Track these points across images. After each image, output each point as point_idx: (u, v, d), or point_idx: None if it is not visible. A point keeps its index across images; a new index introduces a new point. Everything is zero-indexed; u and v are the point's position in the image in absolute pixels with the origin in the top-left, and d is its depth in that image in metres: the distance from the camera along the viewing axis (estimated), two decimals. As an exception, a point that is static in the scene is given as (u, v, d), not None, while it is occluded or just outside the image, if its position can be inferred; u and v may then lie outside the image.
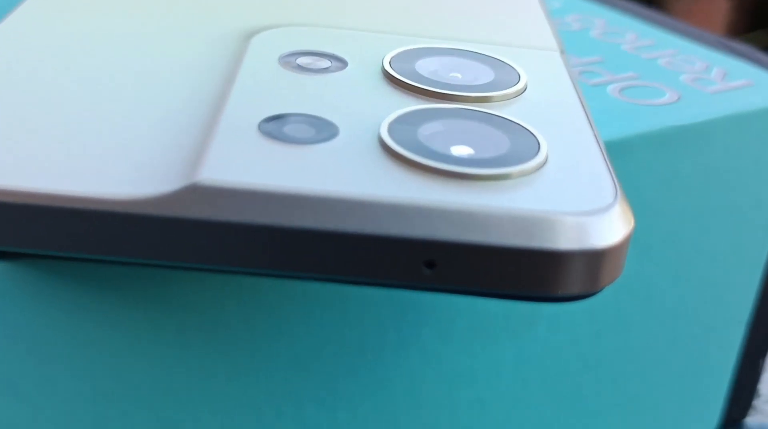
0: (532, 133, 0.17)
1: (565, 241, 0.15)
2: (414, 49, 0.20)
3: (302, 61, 0.20)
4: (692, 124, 0.23)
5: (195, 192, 0.15)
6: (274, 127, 0.17)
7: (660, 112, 0.23)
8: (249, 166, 0.15)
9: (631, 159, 0.23)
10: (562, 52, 0.22)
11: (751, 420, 0.30)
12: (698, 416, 0.29)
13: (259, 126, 0.17)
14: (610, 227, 0.15)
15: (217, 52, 0.20)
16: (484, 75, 0.20)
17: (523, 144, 0.17)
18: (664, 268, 0.25)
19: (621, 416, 0.28)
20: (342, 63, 0.20)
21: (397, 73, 0.19)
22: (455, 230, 0.15)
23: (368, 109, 0.18)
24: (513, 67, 0.20)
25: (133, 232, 0.15)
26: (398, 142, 0.16)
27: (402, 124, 0.17)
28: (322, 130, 0.17)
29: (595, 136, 0.18)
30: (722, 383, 0.29)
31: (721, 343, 0.28)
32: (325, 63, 0.20)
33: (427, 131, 0.17)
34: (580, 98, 0.19)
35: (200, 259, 0.15)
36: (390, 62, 0.20)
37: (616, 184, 0.16)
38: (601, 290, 0.16)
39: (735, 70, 0.26)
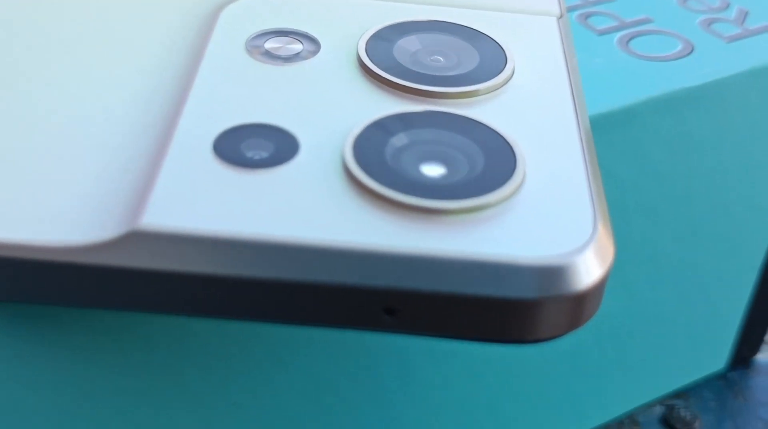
0: (509, 147, 0.16)
1: (532, 290, 0.14)
2: (393, 26, 0.19)
3: (271, 44, 0.18)
4: (703, 85, 0.22)
5: (134, 239, 0.14)
6: (230, 145, 0.16)
7: (669, 70, 0.22)
8: (196, 206, 0.14)
9: (636, 124, 0.21)
10: (561, 16, 0.20)
11: (761, 357, 0.29)
12: (709, 354, 0.29)
13: (214, 146, 0.16)
14: (583, 270, 0.14)
15: (181, 32, 0.19)
16: (468, 58, 0.18)
17: (499, 161, 0.16)
18: (678, 223, 0.24)
19: (633, 355, 0.27)
20: (314, 45, 0.18)
21: (373, 60, 0.18)
22: (416, 278, 0.14)
23: (334, 118, 0.16)
24: (500, 46, 0.18)
25: (74, 280, 0.14)
26: (362, 165, 0.15)
27: (368, 139, 0.16)
28: (282, 146, 0.16)
29: (582, 144, 0.16)
30: (733, 323, 0.28)
31: (734, 286, 0.27)
32: (296, 46, 0.18)
33: (397, 144, 0.16)
34: (571, 85, 0.18)
35: (149, 306, 0.15)
36: (366, 45, 0.18)
37: (596, 213, 0.15)
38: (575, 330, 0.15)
39: (756, 9, 0.24)
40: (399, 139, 0.16)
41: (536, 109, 0.17)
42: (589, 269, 0.14)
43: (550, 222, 0.15)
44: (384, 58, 0.18)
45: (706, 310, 0.27)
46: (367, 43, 0.18)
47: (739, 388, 0.28)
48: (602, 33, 0.23)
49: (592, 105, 0.21)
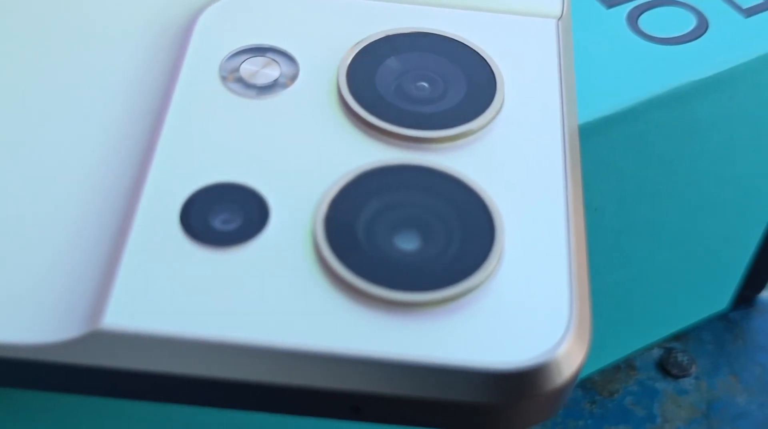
0: (489, 217, 0.15)
1: (497, 395, 0.14)
2: (376, 43, 0.18)
3: (247, 68, 0.17)
4: (715, 75, 0.20)
5: (96, 339, 0.14)
6: (198, 214, 0.15)
7: (679, 56, 0.20)
8: (159, 300, 0.14)
9: (640, 121, 0.20)
10: (561, 16, 0.19)
11: (765, 294, 0.29)
12: (712, 295, 0.29)
13: (181, 217, 0.15)
14: (552, 373, 0.14)
15: (155, 47, 0.18)
16: (456, 84, 0.17)
17: (476, 237, 0.15)
18: (683, 192, 0.23)
19: (634, 297, 0.27)
20: (293, 66, 0.17)
21: (353, 93, 0.17)
22: (380, 382, 0.14)
23: (307, 175, 0.16)
24: (490, 68, 0.17)
25: (43, 374, 0.14)
26: (332, 244, 0.15)
27: (341, 208, 0.15)
28: (251, 214, 0.15)
29: (566, 208, 0.16)
30: (740, 263, 0.28)
31: (745, 229, 0.27)
32: (273, 71, 0.17)
33: (370, 210, 0.15)
34: (563, 115, 0.17)
35: (117, 395, 0.15)
36: (347, 72, 0.17)
37: (573, 305, 0.15)
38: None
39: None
40: (373, 205, 0.15)
41: (523, 157, 0.16)
42: (560, 370, 0.14)
43: (521, 317, 0.14)
44: (365, 89, 0.17)
45: (712, 251, 0.27)
46: (348, 70, 0.17)
47: (738, 330, 0.28)
48: (612, 5, 0.21)
49: (595, 106, 0.20)
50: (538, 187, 0.16)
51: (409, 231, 0.15)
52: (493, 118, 0.17)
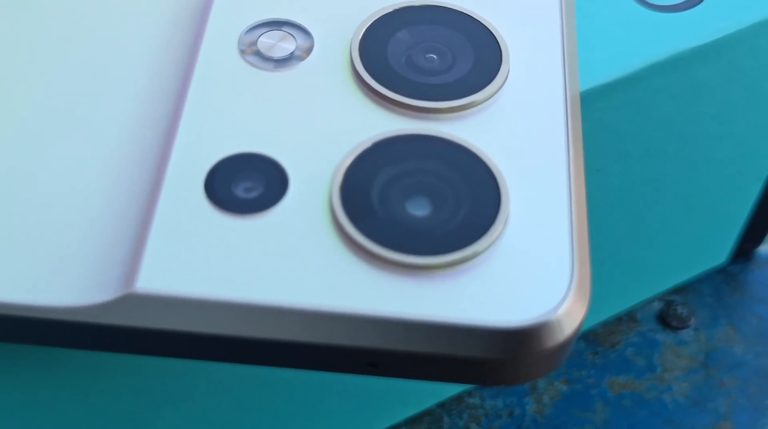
0: (495, 182, 0.16)
1: (504, 350, 0.15)
2: (388, 16, 0.18)
3: (264, 41, 0.18)
4: (716, 41, 0.21)
5: (130, 301, 0.15)
6: (221, 184, 0.16)
7: (679, 23, 0.21)
8: (188, 264, 0.15)
9: (640, 87, 0.21)
10: (563, -13, 0.19)
11: (763, 248, 0.30)
12: (711, 248, 0.30)
13: (206, 186, 0.16)
14: (555, 329, 0.15)
15: (176, 22, 0.19)
16: (464, 55, 0.18)
17: (484, 202, 0.16)
18: (683, 148, 0.24)
19: (634, 250, 0.28)
20: (308, 40, 0.18)
21: (366, 65, 0.18)
22: (396, 340, 0.15)
23: (323, 144, 0.17)
24: (495, 39, 0.18)
25: (80, 334, 0.15)
26: (348, 211, 0.16)
27: (355, 175, 0.16)
28: (272, 182, 0.16)
29: (569, 174, 0.16)
30: (739, 216, 0.29)
31: (743, 185, 0.28)
32: (289, 44, 0.18)
33: (384, 177, 0.16)
34: (565, 85, 0.18)
35: (149, 353, 0.16)
36: (360, 45, 0.18)
37: (575, 265, 0.16)
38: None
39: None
40: (386, 173, 0.16)
41: (526, 126, 0.17)
42: (561, 328, 0.15)
43: (526, 278, 0.15)
44: (377, 62, 0.18)
45: (711, 206, 0.28)
46: (360, 43, 0.18)
47: (737, 283, 0.29)
48: (613, -28, 0.22)
49: (597, 72, 0.20)
50: (541, 155, 0.17)
51: (420, 197, 0.16)
52: (499, 88, 0.17)
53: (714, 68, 0.22)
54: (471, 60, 0.18)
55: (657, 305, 0.29)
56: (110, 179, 0.16)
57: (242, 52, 0.18)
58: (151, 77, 0.18)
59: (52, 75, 0.18)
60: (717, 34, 0.21)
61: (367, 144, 0.16)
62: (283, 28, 0.18)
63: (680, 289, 0.29)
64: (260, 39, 0.18)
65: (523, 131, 0.17)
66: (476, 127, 0.17)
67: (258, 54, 0.18)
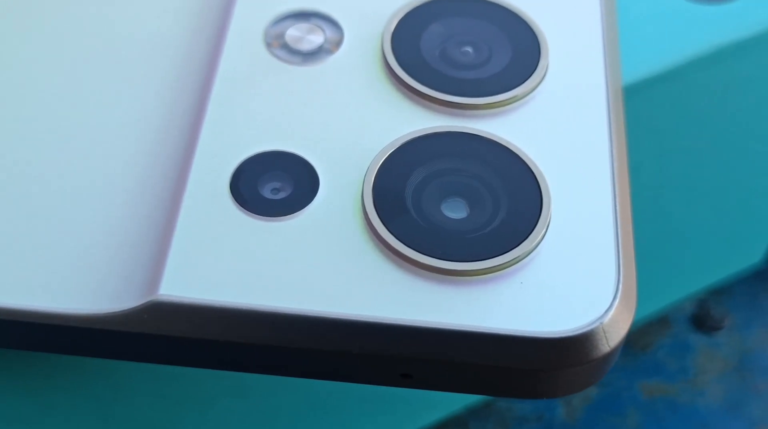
0: (536, 182, 0.15)
1: (545, 362, 0.14)
2: (420, 8, 0.18)
3: (292, 34, 0.17)
4: (758, 35, 0.20)
5: (153, 309, 0.14)
6: (247, 184, 0.15)
7: (721, 16, 0.20)
8: (214, 270, 0.14)
9: (680, 83, 0.20)
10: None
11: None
12: (745, 247, 0.29)
13: (231, 186, 0.15)
14: (599, 341, 0.14)
15: (200, 12, 0.18)
16: (501, 48, 0.17)
17: (524, 203, 0.15)
18: (718, 148, 0.23)
19: (666, 249, 0.27)
20: (337, 32, 0.17)
21: (398, 59, 0.17)
22: (430, 350, 0.14)
23: (355, 141, 0.16)
24: (533, 32, 0.17)
25: (101, 342, 0.15)
26: (381, 214, 0.15)
27: (388, 175, 0.15)
28: (301, 182, 0.15)
29: (612, 175, 0.16)
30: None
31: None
32: (318, 37, 0.17)
33: (417, 178, 0.15)
34: (606, 81, 0.17)
35: (172, 362, 0.15)
36: (392, 38, 0.17)
37: (620, 272, 0.15)
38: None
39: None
40: (420, 173, 0.16)
41: (568, 124, 0.16)
42: (606, 338, 0.14)
43: (569, 285, 0.15)
44: (410, 55, 0.17)
45: (746, 205, 0.27)
46: (392, 36, 0.17)
47: (772, 284, 0.29)
48: (652, -38, 0.21)
49: (636, 67, 0.20)
50: (584, 154, 0.16)
51: (457, 199, 0.15)
52: (538, 84, 0.17)
53: (756, 62, 0.21)
54: (508, 54, 0.17)
55: (690, 306, 0.28)
56: (132, 180, 0.16)
57: (269, 45, 0.17)
58: (174, 72, 0.17)
59: (75, 71, 0.17)
60: (760, 27, 0.20)
61: (401, 142, 0.16)
62: (312, 20, 0.17)
63: (714, 290, 0.28)
64: (288, 32, 0.17)
65: (564, 129, 0.16)
66: (515, 124, 0.16)
67: (285, 47, 0.17)
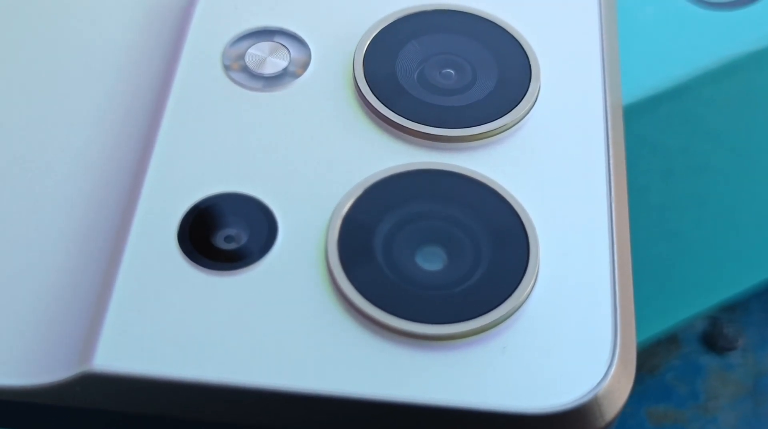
0: (522, 227, 0.14)
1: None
2: (396, 24, 0.16)
3: (253, 53, 0.15)
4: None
5: (87, 381, 0.12)
6: (198, 230, 0.14)
7: (733, 23, 0.18)
8: (156, 336, 0.13)
9: (689, 97, 0.18)
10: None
11: (818, 259, 0.27)
12: (762, 259, 0.27)
13: (179, 234, 0.14)
14: (593, 415, 0.13)
15: (153, 28, 0.16)
16: (486, 68, 0.15)
17: (508, 252, 0.13)
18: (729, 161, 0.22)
19: (680, 260, 0.25)
20: (303, 52, 0.15)
21: (371, 84, 0.15)
22: (399, 427, 0.12)
23: (319, 182, 0.14)
24: (524, 50, 0.16)
25: (33, 415, 0.13)
26: (347, 268, 0.13)
27: (352, 223, 0.14)
28: (258, 230, 0.14)
29: (610, 224, 0.14)
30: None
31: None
32: (281, 59, 0.15)
33: (388, 224, 0.14)
34: (605, 106, 0.15)
35: None
36: (363, 59, 0.15)
37: (618, 333, 0.13)
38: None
39: None
40: (391, 217, 0.14)
41: (560, 158, 0.14)
42: (602, 411, 0.13)
43: (560, 350, 0.13)
44: (384, 79, 0.15)
45: (760, 217, 0.25)
46: (364, 56, 0.15)
47: (789, 299, 0.27)
48: (659, -37, 0.19)
49: (641, 83, 0.18)
50: (578, 194, 0.14)
51: (433, 247, 0.14)
52: (528, 111, 0.15)
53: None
54: (495, 76, 0.15)
55: (701, 325, 0.26)
56: (68, 231, 0.14)
57: (227, 67, 0.15)
58: (121, 100, 0.15)
59: (8, 93, 0.15)
60: (774, 37, 0.18)
61: (371, 182, 0.14)
62: (275, 38, 0.16)
63: (727, 307, 0.27)
64: (248, 51, 0.15)
65: (556, 164, 0.14)
66: (501, 159, 0.14)
67: (245, 70, 0.15)
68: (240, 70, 0.15)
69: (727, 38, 0.18)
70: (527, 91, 0.15)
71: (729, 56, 0.18)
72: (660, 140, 0.19)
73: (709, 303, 0.26)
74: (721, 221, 0.23)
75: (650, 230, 0.22)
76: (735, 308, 0.26)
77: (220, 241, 0.14)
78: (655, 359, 0.26)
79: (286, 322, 0.13)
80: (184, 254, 0.13)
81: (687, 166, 0.20)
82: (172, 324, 0.13)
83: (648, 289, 0.25)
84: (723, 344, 0.26)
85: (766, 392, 0.25)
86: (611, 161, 0.14)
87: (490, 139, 0.15)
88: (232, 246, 0.13)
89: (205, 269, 0.13)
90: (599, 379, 0.13)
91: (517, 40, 0.16)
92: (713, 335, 0.26)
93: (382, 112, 0.15)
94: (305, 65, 0.15)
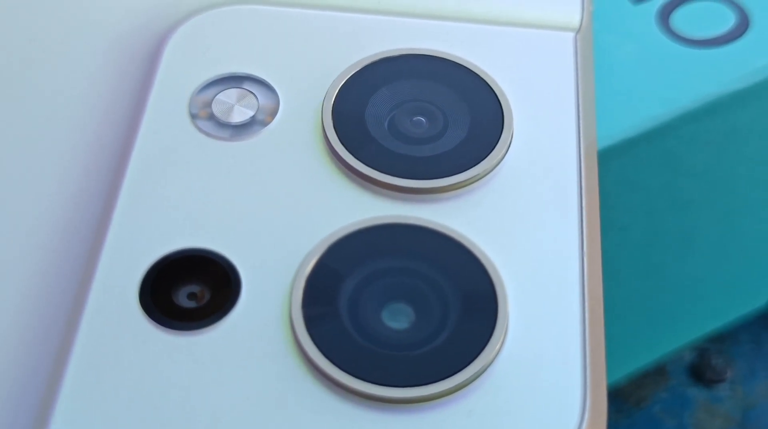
0: (491, 287, 0.13)
1: None
2: (366, 70, 0.15)
3: (221, 100, 0.15)
4: (756, 85, 0.18)
5: None
6: (159, 289, 0.13)
7: (716, 61, 0.18)
8: (113, 403, 0.12)
9: (670, 137, 0.18)
10: (579, 30, 0.16)
11: (809, 288, 0.27)
12: (750, 291, 0.27)
13: (140, 291, 0.13)
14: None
15: (119, 75, 0.16)
16: (458, 115, 0.15)
17: (476, 312, 0.13)
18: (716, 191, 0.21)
19: (666, 293, 0.25)
20: (272, 99, 0.15)
21: (340, 135, 0.15)
22: None
23: (285, 237, 0.14)
24: (496, 97, 0.15)
25: None
26: (310, 329, 0.13)
27: (320, 278, 0.13)
28: (221, 286, 0.13)
29: (581, 277, 0.14)
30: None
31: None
32: (249, 106, 0.15)
33: (353, 281, 0.13)
34: (579, 154, 0.15)
35: None
36: (333, 107, 0.15)
37: (588, 391, 0.13)
38: None
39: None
40: (359, 273, 0.13)
41: (532, 210, 0.14)
42: (571, 477, 0.12)
43: (526, 413, 0.12)
44: (353, 129, 0.15)
45: (748, 251, 0.25)
46: (333, 104, 0.15)
47: (778, 330, 0.26)
48: (640, 1, 0.19)
49: (620, 123, 0.17)
50: (550, 247, 0.14)
51: (400, 305, 0.13)
52: (500, 160, 0.15)
53: (755, 112, 0.19)
54: (467, 123, 0.15)
55: (689, 356, 0.26)
56: (27, 285, 0.13)
57: (194, 116, 0.15)
58: (84, 148, 0.15)
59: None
60: (761, 74, 0.18)
61: (337, 237, 0.14)
62: (244, 85, 0.15)
63: (715, 338, 0.26)
64: (216, 98, 0.15)
65: (527, 216, 0.14)
66: (471, 210, 0.14)
67: (212, 118, 0.15)
68: (207, 118, 0.15)
69: (707, 77, 0.18)
70: (499, 139, 0.15)
71: (710, 95, 0.18)
72: (641, 179, 0.19)
73: (697, 333, 0.26)
74: (706, 254, 0.23)
75: (635, 265, 0.22)
76: (724, 339, 0.26)
77: (182, 299, 0.13)
78: (642, 391, 0.25)
79: (248, 384, 0.13)
80: (144, 313, 0.13)
81: (669, 203, 0.20)
82: (132, 388, 0.12)
83: (635, 320, 0.24)
84: (711, 376, 0.26)
85: (755, 425, 0.25)
86: (584, 211, 0.14)
87: (461, 189, 0.14)
88: (194, 304, 0.13)
89: (166, 329, 0.13)
90: (567, 441, 0.12)
91: (489, 86, 0.15)
92: (701, 367, 0.26)
93: (350, 162, 0.14)
94: (273, 113, 0.15)
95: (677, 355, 0.26)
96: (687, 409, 0.25)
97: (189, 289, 0.13)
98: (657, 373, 0.26)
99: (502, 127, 0.15)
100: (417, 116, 0.15)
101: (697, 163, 0.19)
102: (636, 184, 0.19)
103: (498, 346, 0.13)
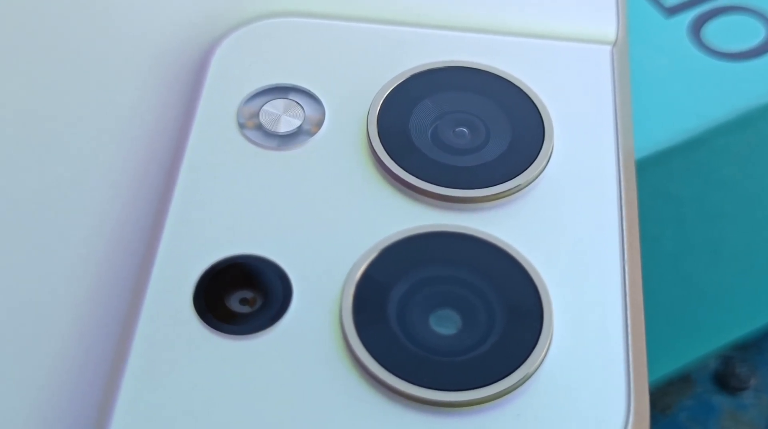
0: (536, 293, 0.14)
1: None
2: (410, 82, 0.16)
3: (268, 111, 0.16)
4: (786, 96, 0.18)
5: None
6: (212, 295, 0.14)
7: (747, 75, 0.18)
8: (171, 409, 0.13)
9: (702, 149, 0.18)
10: (615, 42, 0.17)
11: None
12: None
13: (194, 298, 0.14)
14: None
15: (166, 90, 0.16)
16: (499, 130, 0.15)
17: (521, 320, 0.13)
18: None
19: (693, 300, 0.25)
20: (317, 109, 0.16)
21: (385, 145, 0.15)
22: None
23: (333, 243, 0.14)
24: (537, 109, 0.16)
25: None
26: (361, 333, 0.13)
27: (369, 285, 0.14)
28: (272, 293, 0.14)
29: (623, 284, 0.14)
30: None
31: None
32: (295, 119, 0.16)
33: (402, 289, 0.14)
34: (618, 164, 0.15)
35: None
36: (378, 118, 0.15)
37: (632, 398, 0.13)
38: None
39: None
40: (405, 281, 0.14)
41: (574, 219, 0.14)
42: (616, 479, 0.13)
43: (572, 416, 0.13)
44: (398, 140, 0.15)
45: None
46: (378, 115, 0.15)
47: (802, 338, 0.27)
48: (672, 12, 0.19)
49: (653, 136, 0.18)
50: (592, 255, 0.14)
51: (447, 311, 0.14)
52: (542, 171, 0.15)
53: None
54: (509, 134, 0.15)
55: (714, 364, 0.26)
56: (82, 294, 0.14)
57: (242, 125, 0.15)
58: (134, 159, 0.15)
59: (18, 150, 0.16)
60: (792, 86, 0.18)
61: (384, 245, 0.14)
62: (290, 96, 0.16)
63: (739, 346, 0.27)
64: (263, 109, 0.16)
65: (569, 225, 0.14)
66: (514, 219, 0.14)
67: (260, 128, 0.15)
68: (255, 128, 0.15)
69: (739, 90, 0.18)
70: (540, 150, 0.15)
71: (741, 107, 0.18)
72: (673, 191, 0.19)
73: (722, 342, 0.26)
74: (733, 264, 0.23)
75: (664, 274, 0.22)
76: (747, 347, 0.26)
77: (235, 304, 0.14)
78: (668, 398, 0.26)
79: (301, 387, 0.13)
80: (198, 316, 0.13)
81: (700, 214, 0.20)
82: (188, 392, 0.13)
83: (661, 328, 0.25)
84: (735, 384, 0.26)
85: (780, 433, 0.25)
86: (624, 222, 0.15)
87: (503, 199, 0.15)
88: (246, 309, 0.14)
89: (219, 332, 0.13)
90: (613, 445, 0.13)
91: (530, 98, 0.16)
92: (725, 375, 0.26)
93: (395, 171, 0.15)
94: (319, 123, 0.15)
95: (702, 363, 0.26)
96: (712, 416, 0.26)
97: (241, 295, 0.14)
98: (683, 380, 0.26)
99: (543, 139, 0.15)
100: (459, 127, 0.15)
101: (728, 175, 0.20)
102: (667, 195, 0.19)
103: (544, 352, 0.13)
